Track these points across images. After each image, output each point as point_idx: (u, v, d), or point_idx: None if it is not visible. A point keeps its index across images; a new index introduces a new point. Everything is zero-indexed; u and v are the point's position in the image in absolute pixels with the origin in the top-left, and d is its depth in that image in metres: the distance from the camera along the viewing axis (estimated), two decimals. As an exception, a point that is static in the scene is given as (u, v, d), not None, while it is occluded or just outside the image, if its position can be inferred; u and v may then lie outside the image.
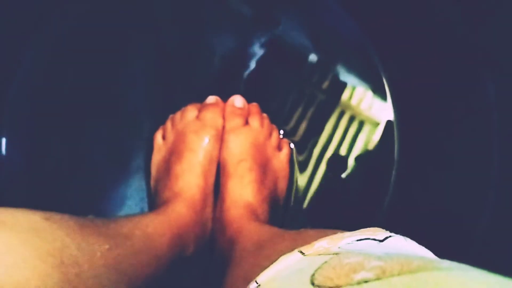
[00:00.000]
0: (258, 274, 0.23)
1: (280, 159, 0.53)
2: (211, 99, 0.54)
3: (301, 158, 0.57)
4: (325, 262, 0.19)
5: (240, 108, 0.54)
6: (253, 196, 0.48)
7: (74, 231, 0.31)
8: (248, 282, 0.23)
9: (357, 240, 0.23)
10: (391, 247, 0.22)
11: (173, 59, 0.58)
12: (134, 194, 0.56)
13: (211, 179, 0.51)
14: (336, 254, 0.20)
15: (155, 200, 0.52)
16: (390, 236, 0.23)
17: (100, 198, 0.56)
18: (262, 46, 0.58)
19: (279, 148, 0.54)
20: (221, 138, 0.52)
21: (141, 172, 0.57)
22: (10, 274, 0.25)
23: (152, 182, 0.54)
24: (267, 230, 0.39)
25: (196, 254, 0.46)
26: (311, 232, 0.29)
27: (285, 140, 0.56)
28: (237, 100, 0.54)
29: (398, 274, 0.15)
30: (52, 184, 0.56)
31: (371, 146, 0.57)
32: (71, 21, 0.58)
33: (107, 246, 0.33)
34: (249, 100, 0.56)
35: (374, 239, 0.23)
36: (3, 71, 0.57)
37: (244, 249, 0.37)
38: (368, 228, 0.24)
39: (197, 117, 0.53)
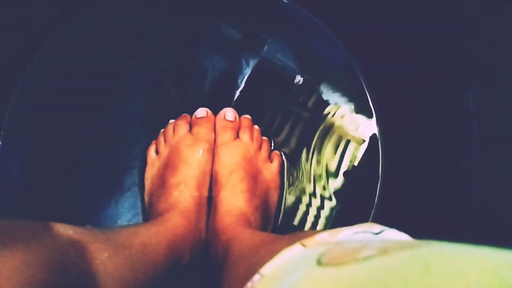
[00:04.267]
0: (258, 270, 0.23)
1: (271, 171, 0.54)
2: (202, 111, 0.55)
3: (291, 170, 0.57)
4: (328, 248, 0.19)
5: (231, 122, 0.54)
6: (245, 205, 0.48)
7: (74, 239, 0.31)
8: (248, 278, 0.23)
9: (355, 233, 0.23)
10: (387, 238, 0.23)
11: (166, 79, 0.59)
12: (128, 209, 0.56)
13: (205, 191, 0.51)
14: (337, 243, 0.20)
15: (149, 213, 0.52)
16: (384, 230, 0.24)
17: (94, 213, 0.56)
18: (251, 65, 0.59)
19: (270, 159, 0.55)
20: (213, 151, 0.53)
21: (134, 188, 0.56)
22: (13, 277, 0.24)
23: (146, 196, 0.54)
24: (262, 235, 0.39)
25: (191, 263, 0.46)
26: (307, 232, 0.29)
27: (277, 152, 0.56)
28: (228, 113, 0.55)
29: (401, 250, 0.16)
30: (47, 198, 0.55)
31: (356, 162, 0.58)
32: (71, 39, 0.58)
33: (106, 254, 0.33)
34: (240, 114, 0.56)
35: (371, 232, 0.23)
36: (3, 84, 0.56)
37: (240, 253, 0.37)
38: (364, 223, 0.25)
39: (190, 131, 0.54)
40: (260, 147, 0.54)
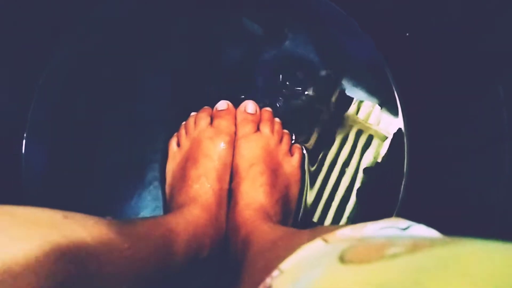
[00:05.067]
0: (277, 265, 0.22)
1: (292, 164, 0.52)
2: (223, 104, 0.54)
3: (312, 165, 0.56)
4: (352, 244, 0.18)
5: (251, 114, 0.53)
6: (265, 198, 0.47)
7: (93, 230, 0.30)
8: (267, 273, 0.22)
9: (380, 229, 0.21)
10: (415, 234, 0.21)
11: (186, 72, 0.58)
12: (149, 203, 0.55)
13: (225, 184, 0.50)
14: (361, 239, 0.19)
15: (170, 205, 0.51)
16: (412, 225, 0.22)
17: (116, 206, 0.55)
18: (272, 59, 0.58)
19: (291, 153, 0.54)
20: (234, 144, 0.52)
21: (155, 181, 0.56)
22: (31, 267, 0.24)
23: (167, 188, 0.53)
24: (282, 229, 0.38)
25: (211, 256, 0.45)
26: (328, 227, 0.28)
27: (297, 145, 0.55)
28: (249, 106, 0.54)
29: (431, 246, 0.14)
30: (69, 192, 0.56)
31: (379, 159, 0.56)
32: (92, 32, 0.58)
33: (125, 245, 0.32)
34: (261, 107, 0.55)
35: (397, 228, 0.22)
36: (26, 78, 0.57)
37: (260, 247, 0.36)
38: (389, 218, 0.23)
39: (211, 124, 0.53)
40: (280, 140, 0.53)
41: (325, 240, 0.21)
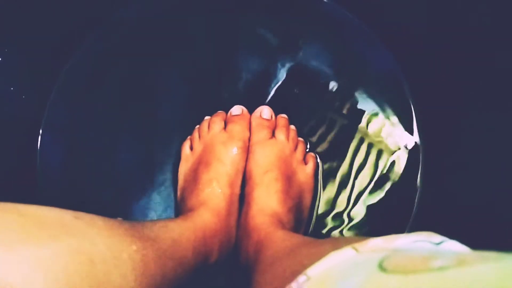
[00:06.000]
0: (301, 271, 0.21)
1: (306, 173, 0.52)
2: (237, 109, 0.53)
3: (325, 174, 0.55)
4: (387, 255, 0.17)
5: (267, 120, 0.53)
6: (279, 205, 0.46)
7: (103, 231, 0.30)
8: (290, 278, 0.21)
9: (414, 242, 0.20)
10: (450, 249, 0.20)
11: (202, 78, 0.57)
12: (160, 204, 0.55)
13: (237, 189, 0.49)
14: (395, 250, 0.18)
15: (181, 208, 0.50)
16: (445, 241, 0.21)
17: (128, 206, 0.55)
18: (287, 67, 0.57)
19: (305, 161, 0.53)
20: (247, 150, 0.51)
21: (167, 183, 0.55)
22: (40, 268, 0.23)
23: (178, 191, 0.53)
24: (298, 237, 0.37)
25: (219, 262, 0.44)
26: (352, 237, 0.27)
27: (312, 154, 0.54)
28: (265, 112, 0.53)
29: (483, 262, 0.13)
30: (83, 190, 0.55)
31: (393, 173, 0.55)
32: (112, 34, 0.58)
33: (134, 248, 0.32)
34: (275, 114, 0.54)
35: (430, 242, 0.21)
36: (44, 76, 0.57)
37: (275, 253, 0.35)
38: (420, 232, 0.22)
39: (225, 129, 0.52)
40: (295, 148, 0.52)
41: (356, 249, 0.20)
